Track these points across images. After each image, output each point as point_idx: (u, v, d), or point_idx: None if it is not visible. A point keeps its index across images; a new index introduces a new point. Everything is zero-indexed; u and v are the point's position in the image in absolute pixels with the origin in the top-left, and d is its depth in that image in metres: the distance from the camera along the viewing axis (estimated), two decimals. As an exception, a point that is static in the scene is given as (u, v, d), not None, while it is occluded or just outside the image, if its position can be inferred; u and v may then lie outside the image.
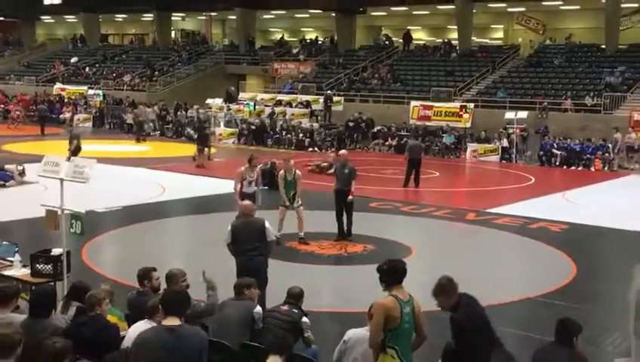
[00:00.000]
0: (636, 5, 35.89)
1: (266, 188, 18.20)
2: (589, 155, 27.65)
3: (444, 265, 11.83)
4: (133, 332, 5.97)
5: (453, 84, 35.84)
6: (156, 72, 45.56)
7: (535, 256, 14.02)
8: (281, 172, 14.34)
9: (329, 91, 36.44)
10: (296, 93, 38.39)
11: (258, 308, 7.26)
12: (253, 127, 33.73)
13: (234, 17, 48.86)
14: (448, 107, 33.08)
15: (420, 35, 46.88)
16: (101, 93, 41.89)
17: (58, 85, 45.07)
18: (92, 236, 13.24)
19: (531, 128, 30.26)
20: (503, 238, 15.66)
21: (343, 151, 16.17)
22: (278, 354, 5.79)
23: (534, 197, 20.65)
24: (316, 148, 31.31)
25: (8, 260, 9.41)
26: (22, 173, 20.28)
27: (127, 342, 5.89)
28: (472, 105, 32.66)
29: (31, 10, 53.76)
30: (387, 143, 31.83)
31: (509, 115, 29.52)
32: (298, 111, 35.66)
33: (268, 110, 35.72)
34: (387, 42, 44.58)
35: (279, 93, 39.50)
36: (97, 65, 50.09)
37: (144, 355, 5.11)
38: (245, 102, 37.34)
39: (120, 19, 59.32)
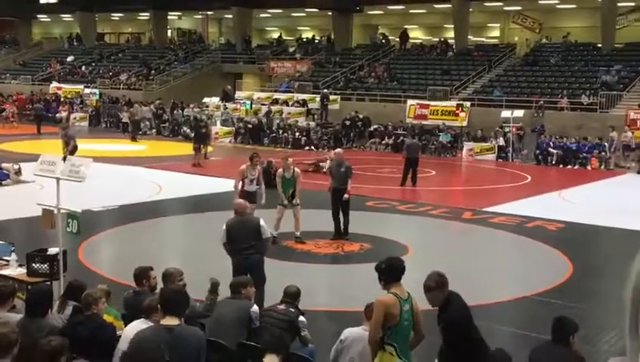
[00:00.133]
0: (632, 4, 35.93)
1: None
2: (585, 154, 27.69)
3: (440, 263, 11.76)
4: (129, 331, 5.96)
5: (449, 83, 35.84)
6: (152, 71, 45.51)
7: (531, 255, 14.04)
8: (280, 170, 14.30)
9: (325, 90, 36.41)
10: (292, 92, 38.36)
11: (255, 307, 7.26)
12: (249, 126, 33.73)
13: (230, 16, 48.80)
14: (445, 106, 33.09)
15: (416, 34, 46.87)
16: (97, 92, 41.85)
17: (54, 84, 45.01)
18: (88, 235, 13.21)
19: (527, 127, 30.28)
20: (499, 237, 15.67)
21: (338, 150, 16.16)
22: (275, 353, 5.79)
23: (530, 196, 20.68)
24: (313, 147, 31.32)
25: (4, 259, 9.38)
26: (18, 172, 20.26)
27: (123, 342, 5.88)
28: (468, 103, 32.67)
29: (27, 8, 53.64)
30: (384, 142, 31.84)
31: (506, 113, 29.53)
32: (295, 110, 35.65)
33: (264, 109, 35.70)
34: (384, 41, 44.60)
35: (276, 91, 39.47)
36: (93, 64, 50.01)
37: (142, 355, 5.11)
38: (242, 101, 37.34)
39: (116, 18, 59.21)
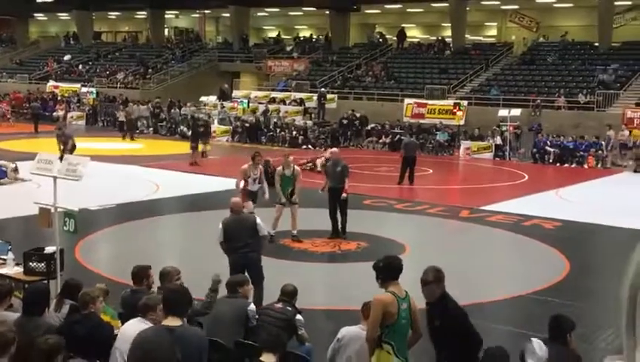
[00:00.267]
0: (629, 3, 35.98)
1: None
2: (582, 153, 27.71)
3: (437, 262, 11.67)
4: (125, 330, 5.96)
5: (447, 82, 35.86)
6: (150, 70, 45.47)
7: (528, 253, 14.05)
8: (279, 168, 14.25)
9: (323, 89, 36.40)
10: (290, 91, 38.36)
11: (252, 306, 7.26)
12: (247, 125, 33.73)
13: (227, 15, 48.77)
14: (442, 105, 33.11)
15: (413, 33, 46.88)
16: (94, 91, 41.78)
17: (51, 83, 44.92)
18: (85, 234, 13.19)
19: (525, 126, 30.31)
20: (496, 236, 15.69)
21: (334, 149, 16.14)
22: (272, 351, 5.79)
23: (528, 195, 20.69)
24: (310, 146, 31.31)
25: (1, 258, 9.37)
26: (15, 170, 20.23)
27: (119, 341, 5.88)
28: (465, 102, 32.70)
29: (24, 7, 53.56)
30: (381, 141, 31.84)
31: (503, 112, 29.55)
32: (292, 108, 35.64)
33: (262, 108, 35.67)
34: (381, 40, 44.59)
35: (273, 90, 39.47)
36: (90, 63, 49.94)
37: (144, 355, 5.09)
38: (239, 100, 37.32)
39: (113, 17, 59.14)
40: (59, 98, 41.94)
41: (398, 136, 30.47)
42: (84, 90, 42.39)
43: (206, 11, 53.15)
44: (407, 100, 33.97)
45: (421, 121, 32.72)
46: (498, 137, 29.46)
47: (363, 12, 45.49)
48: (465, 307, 6.63)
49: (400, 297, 5.90)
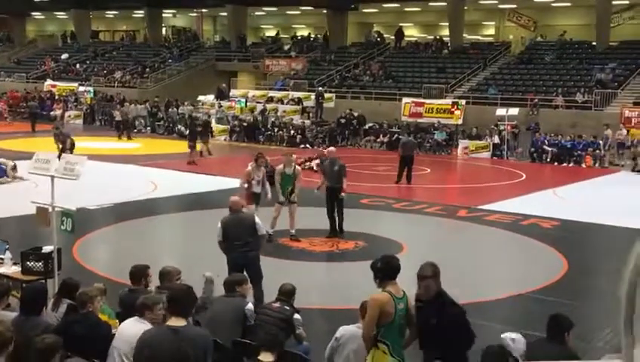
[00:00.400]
0: (627, 2, 36.02)
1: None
2: (579, 152, 27.73)
3: (435, 261, 11.82)
4: (123, 329, 5.95)
5: (444, 81, 35.87)
6: (147, 69, 45.44)
7: (526, 253, 14.05)
8: (279, 166, 14.21)
9: (320, 88, 36.39)
10: (287, 90, 38.35)
11: (249, 305, 7.26)
12: (244, 124, 33.71)
13: (225, 14, 48.76)
14: (440, 104, 33.12)
15: (411, 32, 46.91)
16: (92, 90, 41.73)
17: (49, 82, 44.86)
18: (83, 233, 13.19)
19: (522, 125, 30.31)
20: (494, 235, 15.69)
21: (331, 149, 16.13)
22: (270, 350, 5.79)
23: (525, 194, 20.70)
24: (308, 145, 31.30)
25: (-1, 258, 9.38)
26: (14, 169, 20.22)
27: (117, 340, 5.87)
28: (463, 101, 32.71)
29: (21, 6, 53.51)
30: (379, 140, 31.85)
31: (501, 111, 29.56)
32: (290, 108, 35.62)
33: (259, 107, 35.67)
34: (379, 39, 44.58)
35: (271, 89, 39.46)
36: (88, 62, 49.90)
37: (148, 356, 5.07)
38: (237, 99, 37.27)
39: (111, 16, 59.11)
40: (56, 97, 41.89)
41: (395, 135, 30.47)
42: (81, 89, 42.36)
43: (203, 10, 53.13)
44: (404, 99, 33.98)
45: (419, 120, 32.73)
46: (496, 136, 29.47)
47: (361, 11, 45.50)
48: (462, 306, 6.63)
49: (397, 297, 5.90)
